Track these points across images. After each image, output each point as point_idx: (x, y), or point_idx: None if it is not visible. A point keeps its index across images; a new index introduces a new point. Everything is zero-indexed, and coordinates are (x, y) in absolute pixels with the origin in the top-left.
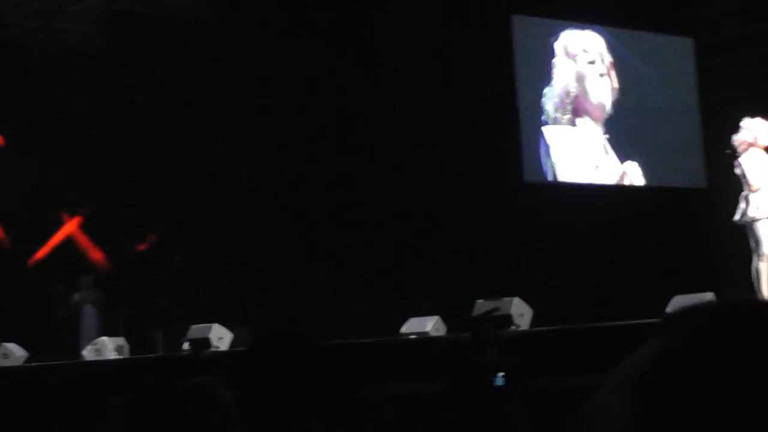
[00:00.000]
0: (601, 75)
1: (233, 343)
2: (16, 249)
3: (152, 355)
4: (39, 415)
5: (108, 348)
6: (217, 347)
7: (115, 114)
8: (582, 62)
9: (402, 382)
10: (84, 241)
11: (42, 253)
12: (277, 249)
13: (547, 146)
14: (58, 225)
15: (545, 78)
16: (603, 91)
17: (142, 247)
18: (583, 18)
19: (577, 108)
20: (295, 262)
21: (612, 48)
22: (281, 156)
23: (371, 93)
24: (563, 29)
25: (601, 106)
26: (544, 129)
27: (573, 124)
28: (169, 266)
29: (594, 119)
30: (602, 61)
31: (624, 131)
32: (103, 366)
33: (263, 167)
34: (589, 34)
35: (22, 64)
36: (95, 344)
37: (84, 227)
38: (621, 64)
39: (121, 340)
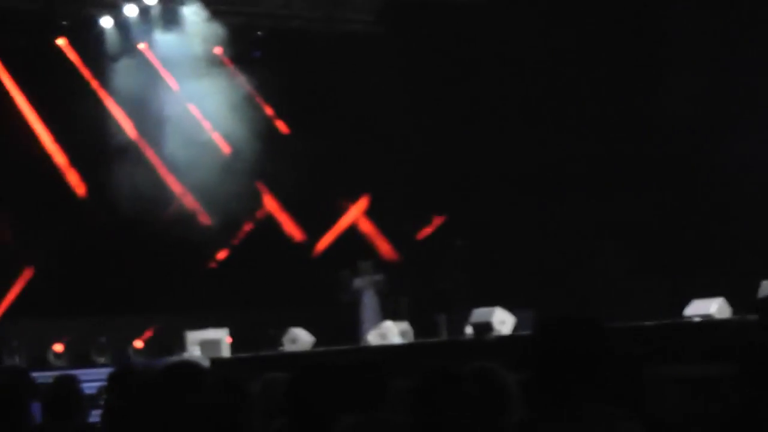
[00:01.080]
0: None
1: (515, 327)
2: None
3: (436, 340)
4: (327, 398)
5: (392, 332)
6: (499, 331)
7: (397, 101)
8: None
9: (686, 365)
10: (367, 228)
11: (327, 240)
12: (558, 231)
13: None
14: (341, 212)
15: None
16: None
17: (424, 231)
18: None
19: None
20: (577, 244)
21: None
22: (553, 136)
23: (643, 70)
24: None
25: None
26: None
27: None
28: (452, 250)
29: None
30: None
31: None
32: (387, 350)
33: (538, 147)
34: None
35: (305, 54)
36: (379, 329)
37: (368, 213)
38: None
39: (405, 325)
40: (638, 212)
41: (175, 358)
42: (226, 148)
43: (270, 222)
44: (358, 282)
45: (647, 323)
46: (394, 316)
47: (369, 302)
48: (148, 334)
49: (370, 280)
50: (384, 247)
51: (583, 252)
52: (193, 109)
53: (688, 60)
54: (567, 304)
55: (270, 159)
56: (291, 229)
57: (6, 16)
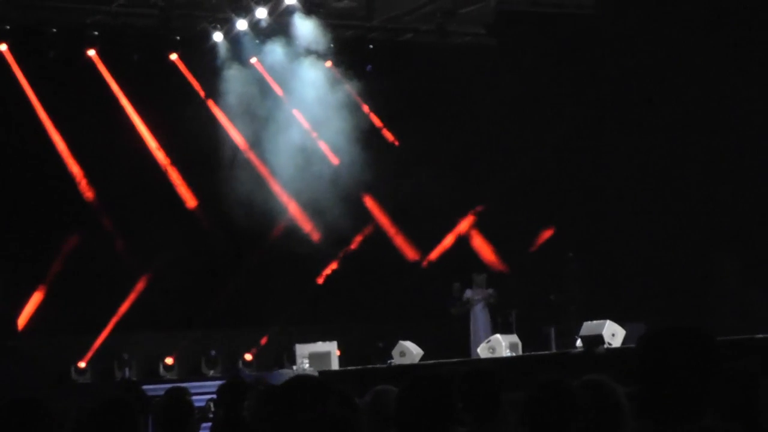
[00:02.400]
0: None
1: (625, 340)
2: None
3: (546, 353)
4: (438, 409)
5: (502, 345)
6: (610, 344)
7: (509, 113)
8: None
9: None
10: (478, 240)
11: (437, 253)
12: (670, 243)
13: None
14: (452, 224)
15: None
16: None
17: (536, 243)
18: None
19: None
20: (690, 256)
21: None
22: (665, 146)
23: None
24: None
25: None
26: None
27: None
28: (563, 263)
29: None
30: None
31: None
32: (497, 363)
33: (655, 161)
34: None
35: (416, 67)
36: (489, 342)
37: (478, 226)
38: None
39: (514, 338)
40: (752, 223)
41: (286, 371)
42: (334, 160)
43: (379, 235)
44: (469, 294)
45: (761, 336)
46: (504, 329)
47: (480, 315)
48: (258, 347)
49: (483, 293)
50: (494, 260)
51: (697, 264)
52: (303, 121)
53: None
54: (679, 317)
55: (379, 171)
56: (400, 241)
57: (123, 32)
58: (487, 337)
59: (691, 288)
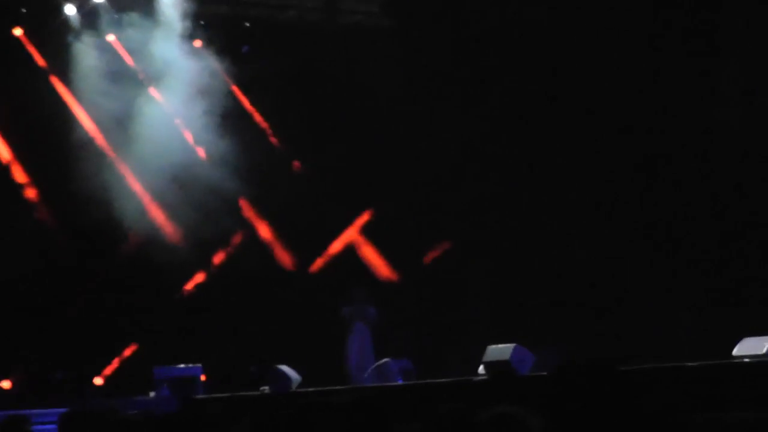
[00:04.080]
0: None
1: (536, 367)
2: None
3: (444, 380)
4: None
5: (391, 371)
6: (517, 370)
7: (396, 105)
8: None
9: (737, 410)
10: (366, 249)
11: (320, 262)
12: (588, 262)
13: None
14: (338, 231)
15: None
16: None
17: (432, 255)
18: None
19: None
20: (611, 275)
21: None
22: (571, 154)
23: None
24: None
25: None
26: None
27: None
28: (465, 277)
29: None
30: None
31: None
32: (387, 391)
33: (573, 170)
34: None
35: (300, 49)
36: (378, 367)
37: (367, 232)
38: None
39: (406, 363)
40: (683, 242)
41: (143, 398)
42: (201, 153)
43: (253, 242)
44: (347, 312)
45: (690, 364)
46: (395, 352)
47: (356, 336)
48: (111, 370)
49: (361, 312)
50: (385, 271)
51: (617, 283)
52: (166, 108)
53: None
54: (597, 342)
55: (254, 168)
56: (278, 249)
57: None
58: (361, 362)
59: (610, 309)
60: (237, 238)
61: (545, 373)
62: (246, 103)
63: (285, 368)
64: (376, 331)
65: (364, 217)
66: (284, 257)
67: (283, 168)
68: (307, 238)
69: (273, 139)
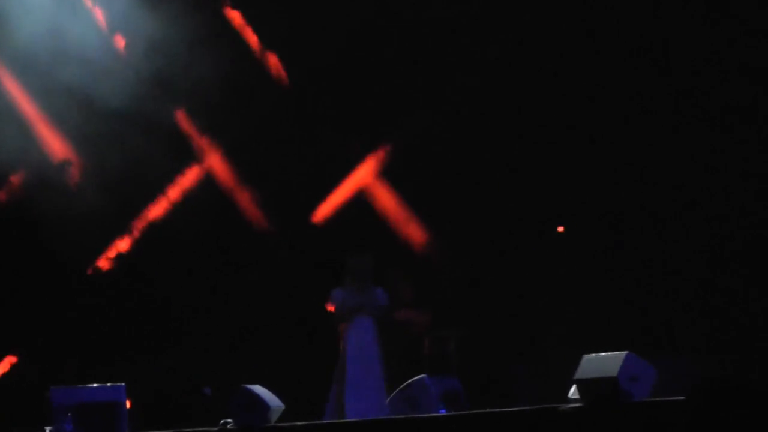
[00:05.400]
0: None
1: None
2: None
3: (513, 410)
4: None
5: (430, 396)
6: (628, 392)
7: None
8: None
9: None
10: (382, 198)
11: (312, 218)
12: None
13: None
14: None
15: None
16: None
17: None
18: None
19: None
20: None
21: None
22: None
23: None
24: None
25: None
26: None
27: None
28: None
29: None
30: None
31: None
32: (424, 427)
33: None
34: None
35: None
36: (409, 388)
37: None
38: None
39: (453, 381)
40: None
41: None
42: (121, 46)
43: (205, 190)
44: (339, 297)
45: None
46: (433, 366)
47: (359, 335)
48: None
49: (364, 296)
50: (410, 231)
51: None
52: None
53: None
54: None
55: (209, 74)
56: (243, 201)
57: None
58: (363, 377)
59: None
60: (179, 183)
61: (681, 398)
62: None
63: (259, 390)
64: (389, 329)
65: (380, 153)
66: (252, 212)
67: (254, 74)
68: (288, 182)
69: (240, 28)
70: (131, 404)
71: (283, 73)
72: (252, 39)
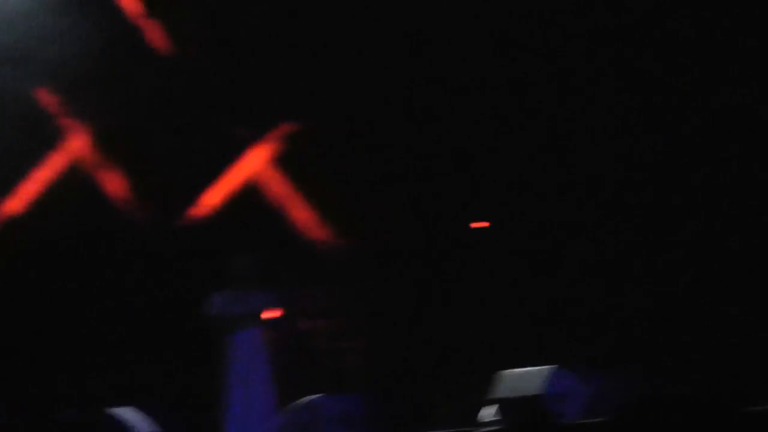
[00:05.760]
0: None
1: (587, 407)
2: None
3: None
4: None
5: (327, 418)
6: (554, 412)
7: None
8: None
9: None
10: (279, 189)
11: (196, 209)
12: None
13: None
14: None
15: None
16: None
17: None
18: None
19: None
20: None
21: None
22: None
23: None
24: None
25: None
26: None
27: None
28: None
29: None
30: None
31: None
32: None
33: None
34: None
35: None
36: (303, 406)
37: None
38: None
39: (354, 400)
40: None
41: None
42: None
43: (71, 176)
44: (219, 304)
45: None
46: (333, 383)
47: (245, 351)
48: None
49: (249, 303)
50: (313, 228)
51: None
52: None
53: None
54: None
55: (72, 33)
56: (114, 187)
57: None
58: (252, 398)
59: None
60: (40, 165)
61: (605, 419)
62: None
63: (130, 414)
64: (283, 343)
65: (277, 135)
66: (126, 200)
67: (131, 45)
68: (170, 167)
69: None
70: None
71: (165, 45)
72: (130, 5)
